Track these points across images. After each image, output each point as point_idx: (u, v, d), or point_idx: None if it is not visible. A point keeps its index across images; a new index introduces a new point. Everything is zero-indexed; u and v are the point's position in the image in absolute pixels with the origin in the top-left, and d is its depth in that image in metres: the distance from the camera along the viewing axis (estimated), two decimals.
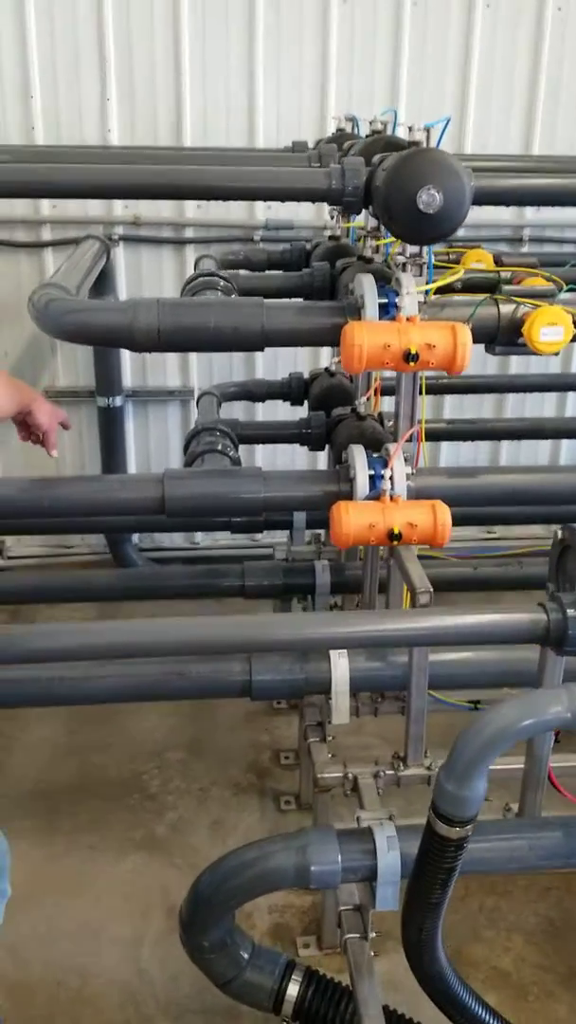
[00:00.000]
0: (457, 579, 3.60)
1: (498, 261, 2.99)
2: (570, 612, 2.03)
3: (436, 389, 4.03)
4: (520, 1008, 2.52)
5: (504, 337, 2.45)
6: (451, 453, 4.92)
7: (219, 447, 2.89)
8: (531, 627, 2.08)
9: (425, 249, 2.38)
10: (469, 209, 2.19)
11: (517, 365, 4.60)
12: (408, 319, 2.25)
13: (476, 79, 4.41)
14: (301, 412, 3.45)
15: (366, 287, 2.31)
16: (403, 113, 4.28)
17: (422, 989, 2.10)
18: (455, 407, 4.82)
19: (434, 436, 4.25)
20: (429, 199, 2.09)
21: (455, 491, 2.57)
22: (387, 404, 3.16)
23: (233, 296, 3.05)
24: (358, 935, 2.32)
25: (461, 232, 2.51)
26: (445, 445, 4.86)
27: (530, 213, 4.63)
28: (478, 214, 3.63)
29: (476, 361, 2.50)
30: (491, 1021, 2.13)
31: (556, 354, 2.43)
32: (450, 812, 1.77)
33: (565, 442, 5.00)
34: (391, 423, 2.71)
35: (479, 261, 3.04)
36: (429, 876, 1.87)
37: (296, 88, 4.33)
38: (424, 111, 4.37)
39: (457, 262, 3.09)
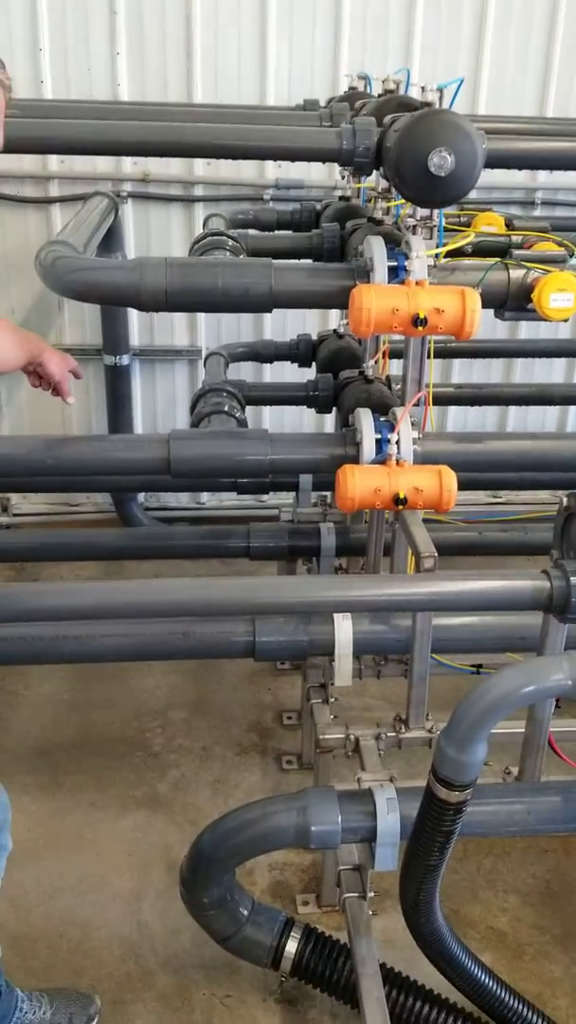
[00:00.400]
0: (462, 543, 3.60)
1: (509, 225, 2.97)
2: (573, 580, 2.03)
3: (445, 353, 4.01)
4: (515, 968, 2.55)
5: (513, 303, 2.43)
6: (459, 418, 4.90)
7: (226, 408, 2.89)
8: (534, 594, 2.08)
9: (436, 212, 2.36)
10: (481, 172, 2.17)
11: (527, 330, 4.57)
12: (417, 283, 2.24)
13: (491, 38, 4.34)
14: (309, 374, 3.44)
15: (375, 250, 2.29)
16: (416, 72, 4.22)
17: (419, 948, 2.14)
18: (464, 371, 4.80)
19: (442, 400, 4.23)
20: (441, 162, 2.07)
21: (462, 456, 2.56)
22: (395, 367, 3.15)
23: (242, 257, 3.03)
24: (357, 894, 2.35)
25: (473, 194, 2.48)
26: (453, 409, 4.84)
27: (543, 176, 4.58)
28: (490, 176, 3.58)
29: (485, 325, 2.49)
30: (486, 980, 2.16)
31: (566, 320, 2.42)
32: (450, 776, 1.79)
33: (573, 408, 4.98)
34: (399, 387, 2.71)
35: (490, 224, 3.01)
36: (428, 839, 1.89)
37: (309, 44, 4.27)
38: (438, 69, 4.32)
39: (468, 225, 3.06)
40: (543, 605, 2.10)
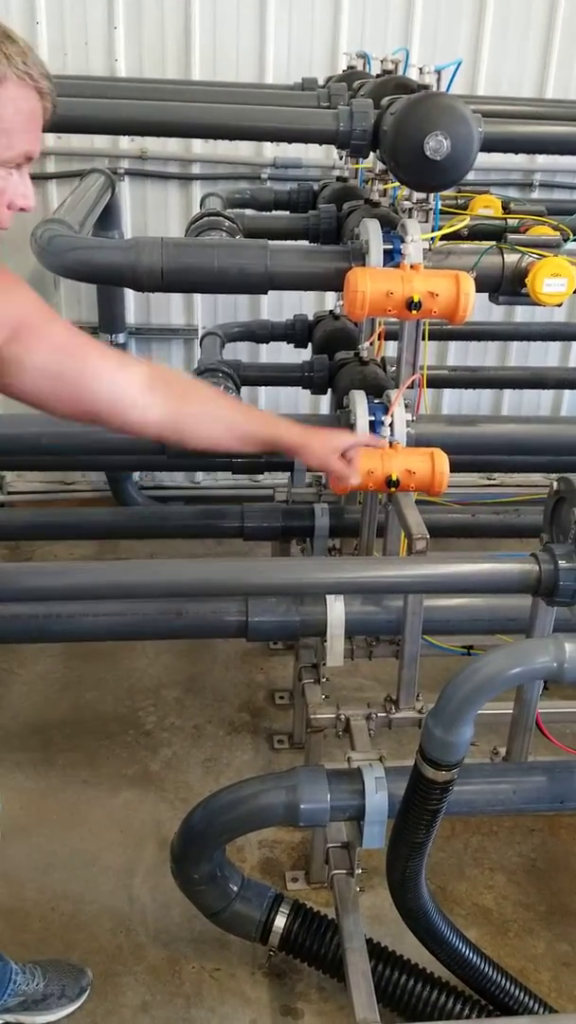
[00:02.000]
0: (455, 525, 3.60)
1: (506, 208, 2.97)
2: (561, 563, 2.05)
3: (440, 335, 4.01)
4: (500, 944, 2.59)
5: (508, 287, 2.45)
6: (453, 400, 4.91)
7: (221, 389, 2.89)
8: (522, 577, 2.10)
9: (432, 195, 2.37)
10: (476, 157, 2.17)
11: (522, 313, 4.56)
12: (412, 267, 2.25)
13: (491, 17, 4.32)
14: (305, 355, 3.44)
15: (371, 233, 2.30)
16: (416, 49, 4.22)
17: (405, 924, 2.17)
18: (459, 353, 4.80)
19: (436, 383, 4.25)
20: (437, 146, 2.07)
21: (455, 439, 2.58)
22: (391, 349, 3.16)
23: (238, 237, 3.03)
24: (345, 871, 2.38)
25: (470, 176, 2.49)
26: (448, 392, 4.84)
27: (541, 158, 4.57)
28: (488, 158, 3.59)
29: (481, 308, 2.49)
30: (470, 955, 2.19)
31: (559, 305, 2.43)
32: (437, 756, 1.81)
33: (567, 392, 4.99)
34: (394, 369, 2.72)
35: (487, 207, 3.02)
36: (415, 817, 1.92)
37: (308, 21, 4.25)
38: (438, 48, 4.30)
39: (465, 207, 3.07)
40: (531, 588, 2.11)
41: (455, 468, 2.34)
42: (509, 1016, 2.26)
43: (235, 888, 2.37)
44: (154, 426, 1.83)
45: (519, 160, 4.51)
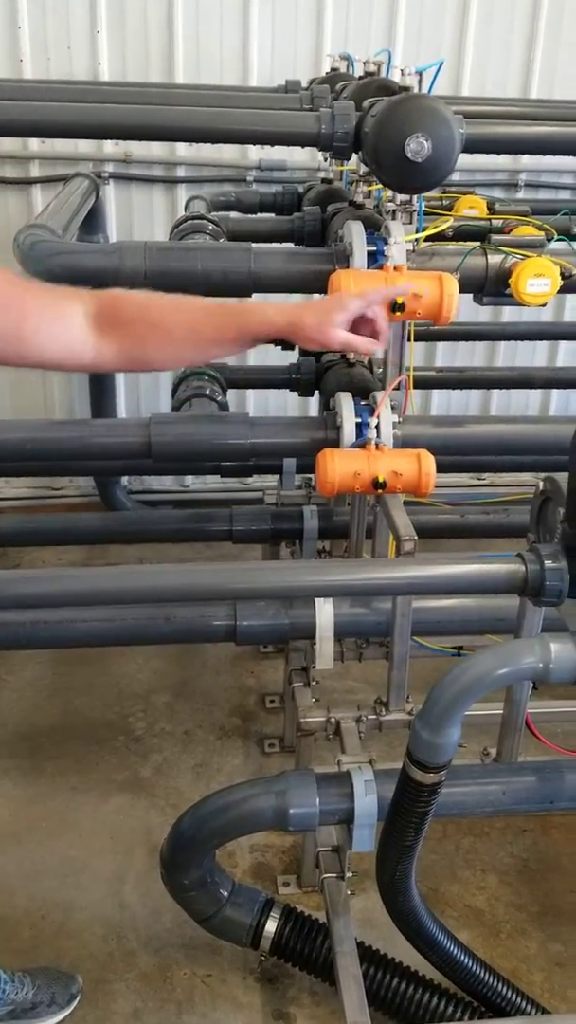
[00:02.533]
0: (444, 526, 3.60)
1: (491, 208, 2.97)
2: (547, 563, 2.04)
3: (426, 336, 4.00)
4: (492, 945, 2.59)
5: (491, 288, 2.44)
6: (442, 401, 4.91)
7: (207, 392, 2.89)
8: (509, 578, 2.08)
9: (416, 196, 2.36)
10: (458, 158, 2.17)
11: (509, 313, 4.56)
12: (395, 268, 2.25)
13: (475, 18, 4.32)
14: (291, 357, 3.44)
15: (355, 235, 2.30)
16: (400, 50, 4.23)
17: (396, 927, 2.16)
18: (447, 354, 4.80)
19: (423, 384, 4.24)
20: (417, 148, 2.07)
21: (441, 440, 2.57)
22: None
23: (222, 240, 3.03)
24: (335, 875, 2.38)
25: (456, 176, 2.48)
26: (436, 393, 4.84)
27: (526, 158, 4.56)
28: (473, 159, 3.60)
29: (469, 308, 2.48)
30: (461, 957, 2.19)
31: (543, 305, 2.43)
32: (425, 758, 1.81)
33: (555, 392, 4.99)
34: (380, 370, 2.71)
35: (472, 208, 3.02)
36: (403, 820, 1.91)
37: (292, 24, 4.25)
38: (422, 47, 4.30)
39: (450, 208, 3.06)
40: (518, 588, 2.10)
41: (443, 469, 2.34)
42: (502, 1018, 2.26)
43: (225, 893, 2.36)
44: (112, 364, 1.72)
45: (504, 160, 4.52)
